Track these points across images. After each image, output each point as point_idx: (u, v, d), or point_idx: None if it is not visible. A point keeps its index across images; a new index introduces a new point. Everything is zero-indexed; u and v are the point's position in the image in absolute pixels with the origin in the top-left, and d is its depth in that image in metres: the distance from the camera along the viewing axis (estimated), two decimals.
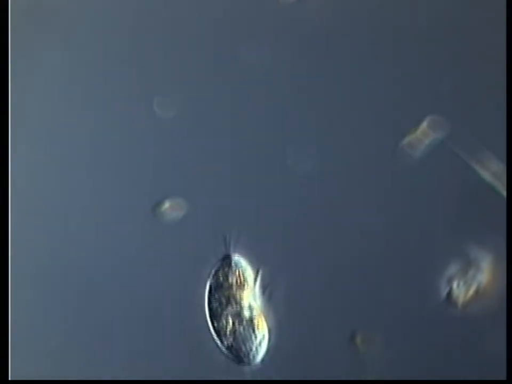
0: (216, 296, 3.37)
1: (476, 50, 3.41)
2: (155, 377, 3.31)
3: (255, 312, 3.34)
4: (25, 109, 3.46)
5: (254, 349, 3.32)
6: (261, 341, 3.33)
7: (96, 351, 3.40)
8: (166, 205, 3.44)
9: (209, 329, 3.35)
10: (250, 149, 3.47)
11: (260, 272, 3.37)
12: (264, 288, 3.36)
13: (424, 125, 3.38)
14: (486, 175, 3.31)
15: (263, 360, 3.32)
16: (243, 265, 3.38)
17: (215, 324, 3.35)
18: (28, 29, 3.47)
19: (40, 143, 3.49)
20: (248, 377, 3.32)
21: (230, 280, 3.37)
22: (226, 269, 3.38)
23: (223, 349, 3.34)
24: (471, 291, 3.29)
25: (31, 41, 3.47)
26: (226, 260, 3.38)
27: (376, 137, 3.41)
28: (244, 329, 3.34)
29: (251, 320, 3.34)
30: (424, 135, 3.37)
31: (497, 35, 3.35)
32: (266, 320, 3.34)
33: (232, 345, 3.33)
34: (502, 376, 3.14)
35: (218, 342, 3.34)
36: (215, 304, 3.36)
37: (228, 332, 3.34)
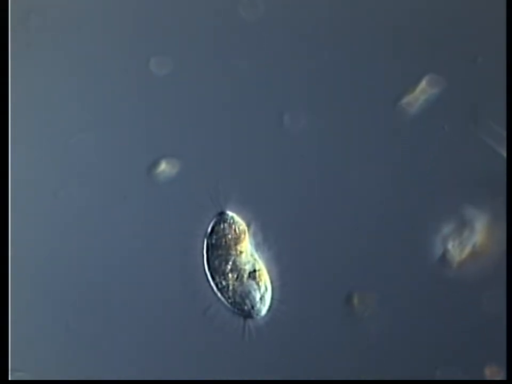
0: (215, 253, 3.32)
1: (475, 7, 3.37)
2: (157, 346, 3.32)
3: (255, 266, 3.31)
4: (25, 109, 3.42)
5: (257, 302, 3.30)
6: (263, 294, 3.30)
7: (96, 351, 3.38)
8: (161, 164, 3.36)
9: (211, 287, 3.31)
10: (245, 107, 3.40)
11: (256, 227, 3.33)
12: (262, 242, 3.32)
13: (423, 83, 3.34)
14: (485, 135, 3.30)
15: (267, 313, 3.31)
16: (239, 220, 3.33)
17: (217, 281, 3.30)
18: (27, 29, 3.43)
19: (40, 143, 3.45)
20: (253, 333, 3.32)
21: (227, 236, 3.32)
22: (223, 225, 3.32)
23: (227, 306, 3.31)
24: (466, 251, 3.30)
25: (31, 41, 3.43)
26: (222, 216, 3.33)
27: (374, 95, 3.36)
28: (245, 283, 3.31)
29: (252, 273, 3.31)
30: (422, 93, 3.33)
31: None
32: (267, 272, 3.32)
33: (235, 301, 3.30)
34: (502, 376, 3.19)
35: (222, 299, 3.30)
36: (215, 262, 3.32)
37: (229, 288, 3.30)
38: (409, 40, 3.37)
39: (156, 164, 3.38)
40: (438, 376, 3.29)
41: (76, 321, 3.37)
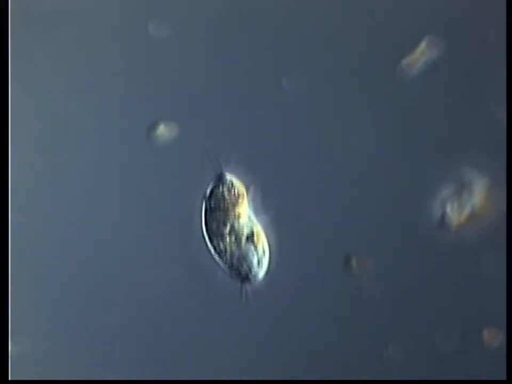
0: (214, 216, 3.32)
1: None
2: (157, 320, 3.34)
3: (253, 229, 3.31)
4: (25, 109, 3.41)
5: (255, 265, 3.30)
6: (261, 257, 3.30)
7: (96, 351, 3.38)
8: (160, 127, 3.35)
9: (209, 250, 3.31)
10: (244, 70, 3.38)
11: (255, 189, 3.32)
12: (260, 205, 3.32)
13: (423, 45, 3.31)
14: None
15: (264, 276, 3.31)
16: (238, 183, 3.32)
17: (215, 244, 3.30)
18: (27, 29, 3.42)
19: (40, 143, 3.44)
20: (250, 296, 3.32)
21: (226, 199, 3.32)
22: (222, 188, 3.31)
23: (225, 268, 3.32)
24: (465, 214, 3.29)
25: (31, 41, 3.42)
26: (220, 179, 3.32)
27: (375, 58, 3.33)
28: (243, 247, 3.31)
29: (250, 237, 3.30)
30: (422, 55, 3.30)
31: None
32: (265, 235, 3.32)
33: (233, 264, 3.30)
34: (502, 376, 3.18)
35: (220, 262, 3.30)
36: (213, 224, 3.32)
37: (228, 251, 3.30)
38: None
39: (154, 127, 3.36)
40: (436, 338, 3.29)
41: (75, 321, 3.39)
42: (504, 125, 3.23)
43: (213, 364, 3.32)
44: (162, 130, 3.36)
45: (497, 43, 3.28)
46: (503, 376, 3.17)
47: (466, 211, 3.29)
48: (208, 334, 3.34)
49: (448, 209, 3.29)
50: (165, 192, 3.37)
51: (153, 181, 3.37)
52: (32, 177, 3.40)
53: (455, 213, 3.29)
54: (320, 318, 3.30)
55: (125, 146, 3.38)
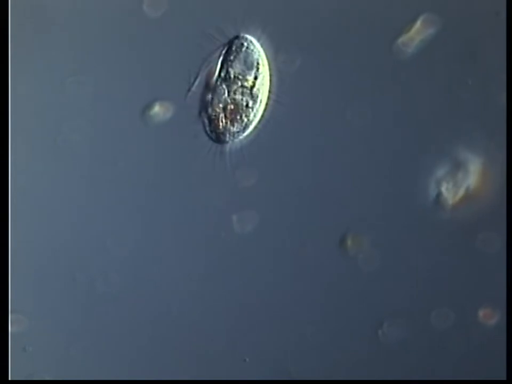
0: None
1: None
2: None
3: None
4: (25, 109, 3.39)
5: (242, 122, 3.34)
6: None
7: (96, 351, 3.39)
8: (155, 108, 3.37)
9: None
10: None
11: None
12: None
13: (418, 22, 3.28)
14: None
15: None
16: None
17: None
18: (28, 29, 3.40)
19: (40, 144, 3.44)
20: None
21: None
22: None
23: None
24: (460, 194, 3.28)
25: (31, 41, 3.40)
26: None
27: (370, 36, 3.31)
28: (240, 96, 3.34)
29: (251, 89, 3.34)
30: (418, 33, 3.28)
31: None
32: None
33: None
34: (502, 376, 3.17)
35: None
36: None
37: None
38: None
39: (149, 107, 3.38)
40: (433, 317, 3.30)
41: (75, 321, 3.40)
42: (504, 105, 3.21)
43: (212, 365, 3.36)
44: (157, 110, 3.36)
45: (496, 21, 3.24)
46: (503, 376, 3.17)
47: (462, 190, 3.28)
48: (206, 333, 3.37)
49: (444, 188, 3.28)
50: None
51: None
52: (31, 163, 3.42)
53: (451, 193, 3.28)
54: (315, 298, 3.31)
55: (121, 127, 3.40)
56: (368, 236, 3.30)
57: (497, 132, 3.23)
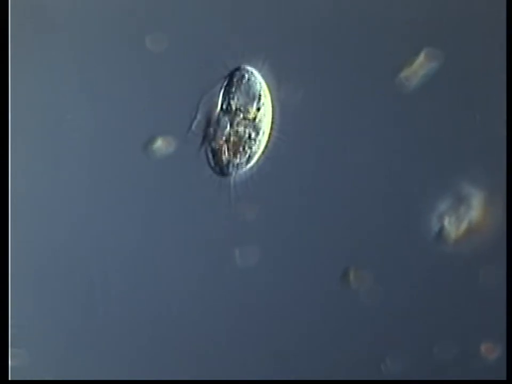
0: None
1: None
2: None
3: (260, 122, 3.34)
4: (25, 109, 3.40)
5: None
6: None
7: (96, 351, 3.39)
8: (158, 142, 3.36)
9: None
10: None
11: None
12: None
13: (421, 56, 3.29)
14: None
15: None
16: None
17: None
18: (28, 29, 3.41)
19: (40, 144, 3.44)
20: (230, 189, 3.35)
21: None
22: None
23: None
24: (462, 228, 3.28)
25: (31, 41, 3.41)
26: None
27: (373, 70, 3.33)
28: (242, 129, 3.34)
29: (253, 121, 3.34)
30: (421, 67, 3.29)
31: None
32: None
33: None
34: (502, 376, 3.17)
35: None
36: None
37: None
38: (406, 15, 3.32)
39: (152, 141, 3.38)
40: (435, 351, 3.29)
41: (75, 321, 3.39)
42: (504, 139, 3.22)
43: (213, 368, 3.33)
44: (160, 144, 3.36)
45: (497, 55, 3.26)
46: (503, 376, 3.16)
47: (464, 225, 3.28)
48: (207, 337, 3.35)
49: (446, 222, 3.28)
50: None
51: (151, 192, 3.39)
52: (30, 180, 3.41)
53: (453, 227, 3.28)
54: (317, 331, 3.30)
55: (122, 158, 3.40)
56: (371, 270, 3.29)
57: (499, 166, 3.24)
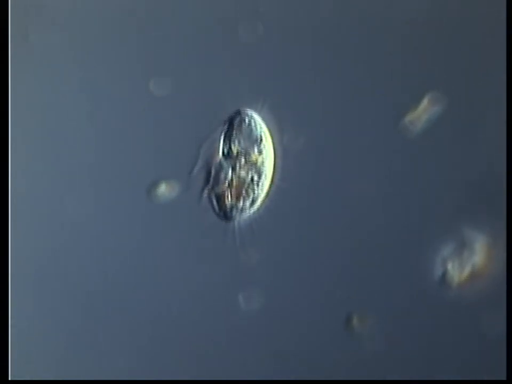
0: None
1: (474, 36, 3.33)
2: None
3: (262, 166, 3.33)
4: (25, 108, 3.39)
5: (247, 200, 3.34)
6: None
7: (96, 351, 3.38)
8: (162, 187, 3.34)
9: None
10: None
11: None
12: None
13: (425, 101, 3.29)
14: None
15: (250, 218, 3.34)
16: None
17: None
18: (28, 29, 3.40)
19: (40, 145, 3.43)
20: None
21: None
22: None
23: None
24: (466, 272, 3.30)
25: (31, 41, 3.40)
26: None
27: (376, 115, 3.32)
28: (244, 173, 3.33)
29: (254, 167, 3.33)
30: (425, 111, 3.29)
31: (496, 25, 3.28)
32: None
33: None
34: (502, 376, 3.18)
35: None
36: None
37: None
38: (411, 57, 3.32)
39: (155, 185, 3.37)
40: None
41: (75, 321, 3.38)
42: (504, 184, 3.24)
43: None
44: (163, 189, 3.34)
45: (498, 99, 3.26)
46: (503, 376, 3.19)
47: (468, 269, 3.30)
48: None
49: (449, 267, 3.30)
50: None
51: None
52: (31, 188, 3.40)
53: (456, 271, 3.30)
54: (321, 377, 3.31)
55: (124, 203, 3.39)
56: (374, 314, 3.30)
57: (501, 209, 3.25)
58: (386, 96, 3.31)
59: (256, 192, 3.34)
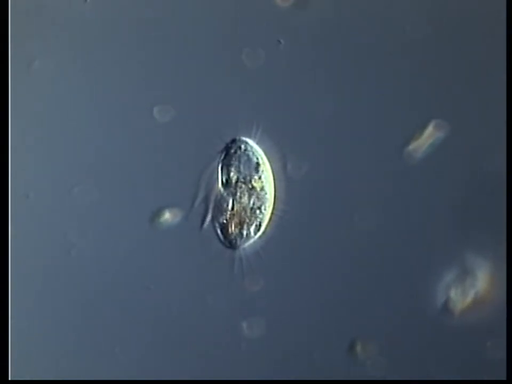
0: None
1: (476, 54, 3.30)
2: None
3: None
4: (25, 110, 3.37)
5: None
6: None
7: (96, 351, 3.38)
8: (165, 214, 3.34)
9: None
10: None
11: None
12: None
13: (430, 128, 3.24)
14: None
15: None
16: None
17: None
18: (28, 29, 3.37)
19: (40, 145, 3.41)
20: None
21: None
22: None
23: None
24: (468, 299, 3.30)
25: (31, 41, 3.37)
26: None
27: (380, 142, 3.31)
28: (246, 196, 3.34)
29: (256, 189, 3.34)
30: (429, 138, 3.24)
31: (498, 40, 3.26)
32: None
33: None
34: (502, 376, 3.20)
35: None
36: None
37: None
38: (413, 86, 3.29)
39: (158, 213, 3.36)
40: None
41: (75, 321, 3.40)
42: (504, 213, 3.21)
43: None
44: (166, 216, 3.33)
45: (499, 127, 3.23)
46: (503, 376, 3.21)
47: (470, 296, 3.30)
48: None
49: (452, 294, 3.30)
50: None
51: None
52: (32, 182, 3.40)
53: (459, 298, 3.30)
54: None
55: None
56: (377, 341, 3.32)
57: (503, 236, 3.24)
58: (390, 124, 3.30)
59: (259, 218, 3.33)
